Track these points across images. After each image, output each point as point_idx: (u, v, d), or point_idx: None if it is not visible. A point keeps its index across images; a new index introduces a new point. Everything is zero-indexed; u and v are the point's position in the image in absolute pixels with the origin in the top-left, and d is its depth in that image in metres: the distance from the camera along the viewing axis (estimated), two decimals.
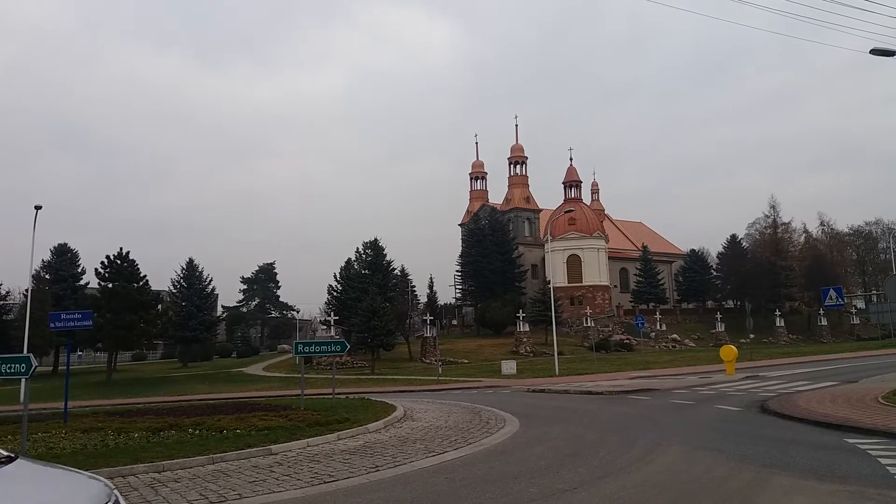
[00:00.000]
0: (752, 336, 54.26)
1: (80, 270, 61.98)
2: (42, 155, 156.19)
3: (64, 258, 61.94)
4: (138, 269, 49.21)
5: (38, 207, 31.28)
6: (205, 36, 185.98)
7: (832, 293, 23.87)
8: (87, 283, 59.65)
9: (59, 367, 53.80)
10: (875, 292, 73.16)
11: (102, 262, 48.59)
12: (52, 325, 18.26)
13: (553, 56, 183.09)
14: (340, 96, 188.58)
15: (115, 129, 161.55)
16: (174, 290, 66.96)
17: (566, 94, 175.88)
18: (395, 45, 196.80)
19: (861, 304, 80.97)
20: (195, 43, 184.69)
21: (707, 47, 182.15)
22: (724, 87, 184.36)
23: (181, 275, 67.29)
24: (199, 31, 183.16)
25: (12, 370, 11.05)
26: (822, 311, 70.01)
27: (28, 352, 20.97)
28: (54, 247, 62.79)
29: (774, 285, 74.65)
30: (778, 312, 72.10)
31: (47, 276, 58.82)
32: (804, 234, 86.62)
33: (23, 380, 13.44)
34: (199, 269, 68.28)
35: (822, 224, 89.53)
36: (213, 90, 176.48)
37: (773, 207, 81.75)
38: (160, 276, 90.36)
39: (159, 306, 53.56)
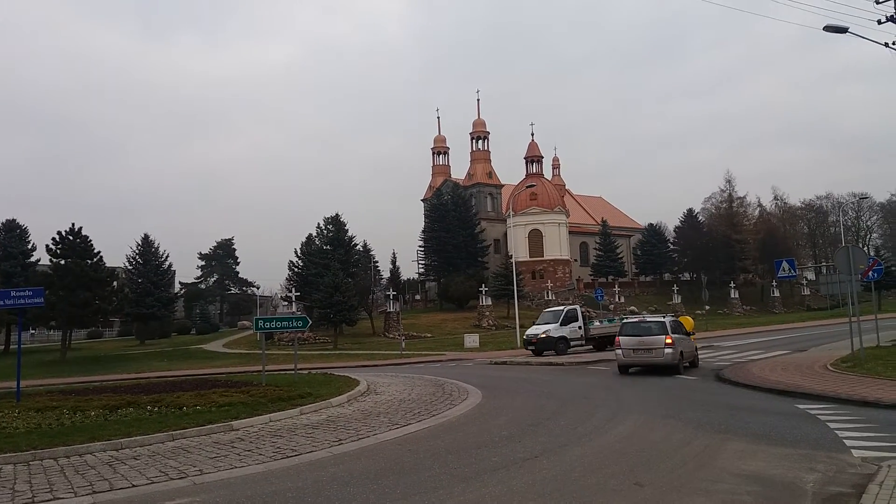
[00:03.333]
0: (707, 307, 55.57)
1: (30, 247, 59.86)
2: None
3: (13, 234, 59.88)
4: (91, 245, 47.86)
5: None
6: (151, 9, 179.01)
7: (785, 265, 24.58)
8: (38, 260, 57.70)
9: (11, 346, 52.31)
10: (825, 264, 75.59)
11: (54, 239, 47.15)
12: (0, 302, 17.66)
13: (508, 30, 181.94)
14: (294, 69, 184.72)
15: (62, 105, 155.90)
16: (130, 267, 65.29)
17: (524, 69, 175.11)
18: (346, 17, 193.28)
19: (812, 276, 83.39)
20: (141, 17, 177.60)
21: (658, 23, 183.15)
22: (678, 62, 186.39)
23: (136, 251, 65.59)
24: (144, 3, 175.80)
25: None
26: (774, 283, 71.99)
27: None
28: (2, 223, 60.64)
29: (729, 258, 76.36)
30: (733, 284, 73.89)
31: None
32: (758, 208, 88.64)
33: None
34: (155, 245, 66.58)
35: (775, 198, 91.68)
36: (161, 64, 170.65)
37: (728, 182, 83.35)
38: (114, 253, 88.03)
39: (114, 283, 52.29)
